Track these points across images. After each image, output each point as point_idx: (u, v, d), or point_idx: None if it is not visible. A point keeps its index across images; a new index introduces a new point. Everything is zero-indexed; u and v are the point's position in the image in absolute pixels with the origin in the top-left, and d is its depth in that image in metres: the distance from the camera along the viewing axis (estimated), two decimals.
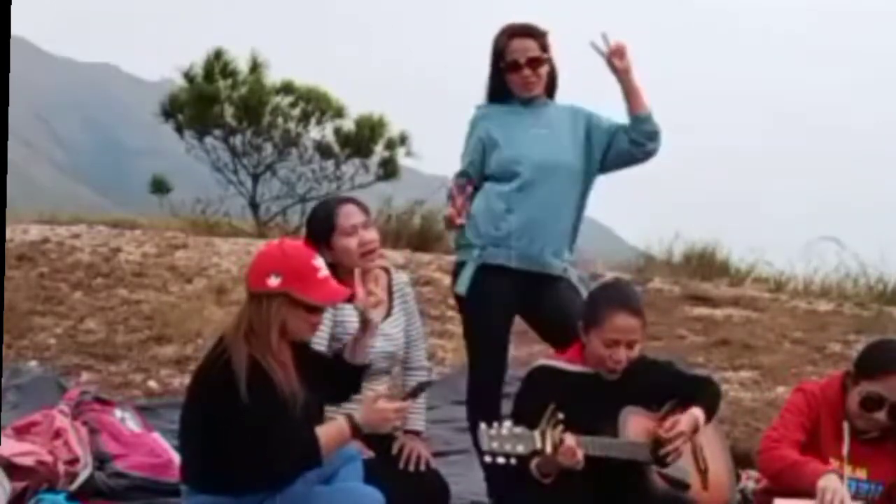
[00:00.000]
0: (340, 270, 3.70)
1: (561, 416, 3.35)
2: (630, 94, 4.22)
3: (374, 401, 3.28)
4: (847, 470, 3.54)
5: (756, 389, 6.40)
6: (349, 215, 3.88)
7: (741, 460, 4.19)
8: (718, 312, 8.34)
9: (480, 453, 3.39)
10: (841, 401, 3.63)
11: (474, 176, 4.25)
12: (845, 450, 3.55)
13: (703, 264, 10.15)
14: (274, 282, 3.22)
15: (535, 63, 4.22)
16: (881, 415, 3.54)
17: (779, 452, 3.56)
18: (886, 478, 3.61)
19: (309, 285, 3.24)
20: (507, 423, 3.32)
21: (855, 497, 3.53)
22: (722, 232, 10.58)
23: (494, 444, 3.28)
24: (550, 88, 4.34)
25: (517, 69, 4.22)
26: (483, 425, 3.32)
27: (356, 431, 3.25)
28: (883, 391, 3.54)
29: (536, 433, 3.32)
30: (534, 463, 3.39)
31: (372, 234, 3.92)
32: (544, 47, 4.26)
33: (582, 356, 3.67)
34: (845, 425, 3.57)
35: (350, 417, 3.26)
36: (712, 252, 10.34)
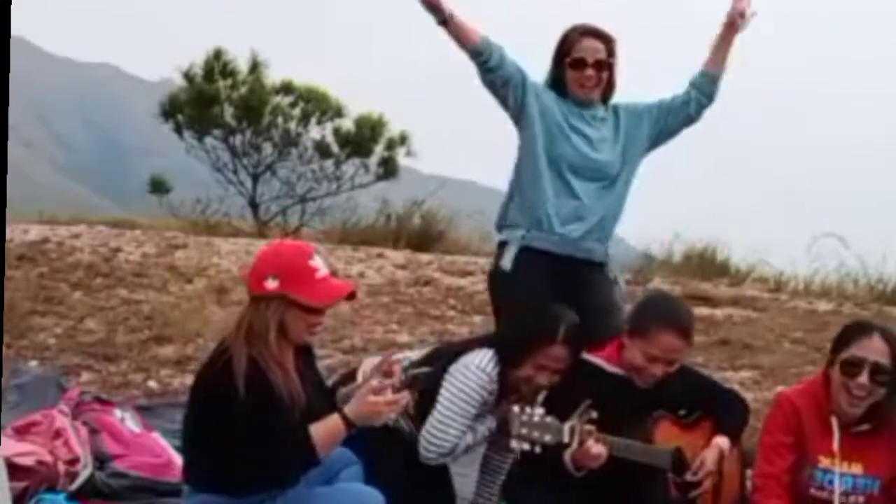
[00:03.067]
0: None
1: (594, 414, 3.34)
2: (723, 50, 4.28)
3: (366, 394, 3.27)
4: (843, 466, 3.53)
5: (756, 389, 6.40)
6: (560, 359, 3.69)
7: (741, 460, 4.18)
8: (718, 312, 8.33)
9: (508, 436, 3.38)
10: (826, 396, 3.60)
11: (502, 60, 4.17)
12: (835, 444, 3.53)
13: (703, 264, 10.15)
14: (272, 284, 3.21)
15: (599, 66, 4.20)
16: (863, 378, 3.48)
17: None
18: (882, 471, 3.58)
19: (306, 287, 3.23)
20: (539, 411, 3.32)
21: (851, 493, 3.52)
22: (722, 232, 10.59)
23: (524, 430, 3.28)
24: (606, 94, 4.31)
25: (581, 67, 4.19)
26: (516, 408, 3.33)
27: (350, 426, 3.24)
28: (860, 352, 3.52)
29: (566, 427, 3.33)
30: (568, 454, 3.39)
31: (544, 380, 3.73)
32: (611, 53, 4.24)
33: (619, 357, 3.66)
34: (833, 420, 3.56)
35: (342, 412, 3.25)
36: (712, 252, 10.34)
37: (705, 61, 4.31)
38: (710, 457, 3.61)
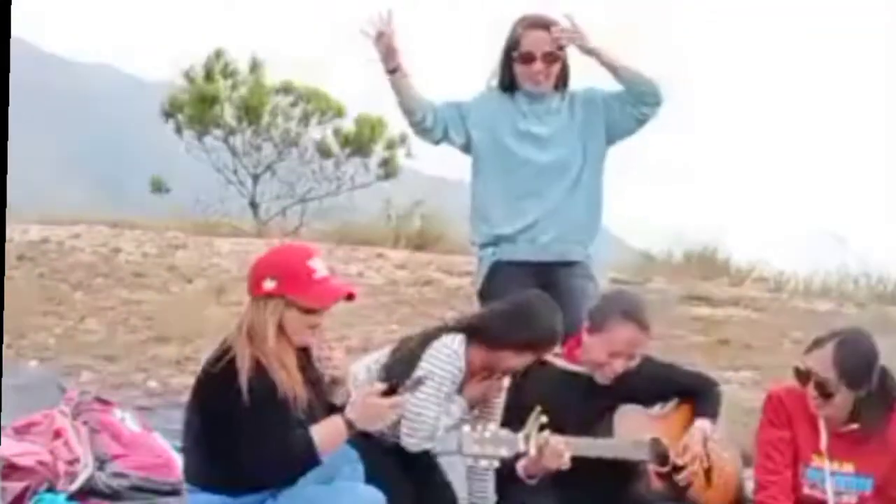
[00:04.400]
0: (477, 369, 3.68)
1: (544, 419, 3.32)
2: (608, 68, 4.04)
3: (368, 397, 3.27)
4: (834, 465, 3.52)
5: (756, 389, 6.40)
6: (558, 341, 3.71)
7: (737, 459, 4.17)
8: (718, 312, 8.34)
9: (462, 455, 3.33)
10: None
11: (427, 119, 4.16)
12: (823, 443, 3.52)
13: (704, 264, 10.16)
14: (269, 285, 3.22)
15: (548, 58, 4.08)
16: (810, 390, 3.46)
17: None
18: (874, 471, 3.57)
19: (303, 287, 3.23)
20: (492, 426, 3.30)
21: (844, 492, 3.52)
22: (722, 232, 10.60)
23: (476, 448, 3.24)
24: (562, 81, 4.18)
25: (529, 61, 4.09)
26: (466, 427, 3.29)
27: (351, 429, 3.24)
28: (807, 364, 3.49)
29: (520, 436, 3.29)
30: (520, 464, 3.38)
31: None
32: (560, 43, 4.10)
33: (577, 354, 3.66)
34: (821, 420, 3.55)
35: (345, 415, 3.25)
36: (712, 252, 10.35)
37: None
38: (693, 439, 3.57)
